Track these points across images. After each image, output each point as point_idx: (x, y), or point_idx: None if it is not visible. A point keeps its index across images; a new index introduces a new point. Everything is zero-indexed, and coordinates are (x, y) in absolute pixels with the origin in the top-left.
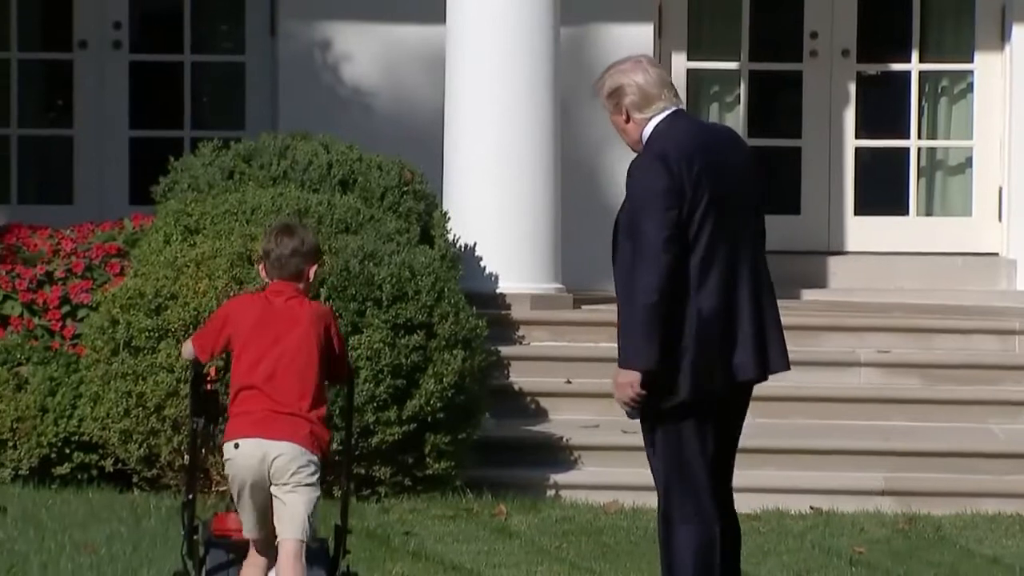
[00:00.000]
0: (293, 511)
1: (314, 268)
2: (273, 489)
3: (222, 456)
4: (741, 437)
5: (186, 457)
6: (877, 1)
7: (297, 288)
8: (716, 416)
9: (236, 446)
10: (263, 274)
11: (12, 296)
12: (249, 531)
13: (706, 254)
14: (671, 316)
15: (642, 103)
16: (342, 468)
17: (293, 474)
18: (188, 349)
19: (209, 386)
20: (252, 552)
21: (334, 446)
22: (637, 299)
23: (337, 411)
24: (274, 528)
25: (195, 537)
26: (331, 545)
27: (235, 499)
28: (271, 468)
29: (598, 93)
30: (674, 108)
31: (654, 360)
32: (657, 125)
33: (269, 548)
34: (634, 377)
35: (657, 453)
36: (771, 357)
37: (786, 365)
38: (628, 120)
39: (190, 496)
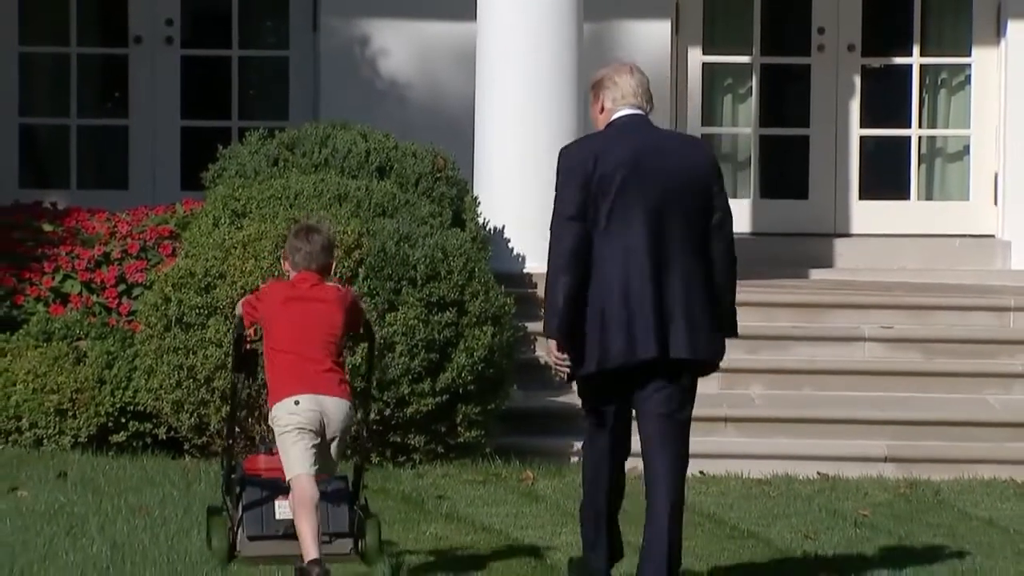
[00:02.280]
0: (331, 458)
1: (334, 262)
2: (329, 442)
3: (269, 414)
4: (752, 407)
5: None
6: None
7: (320, 277)
8: (631, 387)
9: (296, 402)
10: (287, 267)
11: (72, 275)
12: (300, 467)
13: (618, 243)
14: (580, 293)
15: (617, 98)
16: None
17: (341, 427)
18: (239, 309)
19: (248, 345)
20: (301, 493)
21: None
22: (547, 275)
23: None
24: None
25: (232, 476)
26: (351, 483)
27: (287, 443)
28: (327, 420)
29: (589, 85)
30: (640, 112)
31: (554, 330)
32: (616, 120)
33: (312, 481)
34: (550, 344)
35: (583, 403)
36: (674, 342)
37: (691, 353)
38: (602, 110)
39: (230, 441)
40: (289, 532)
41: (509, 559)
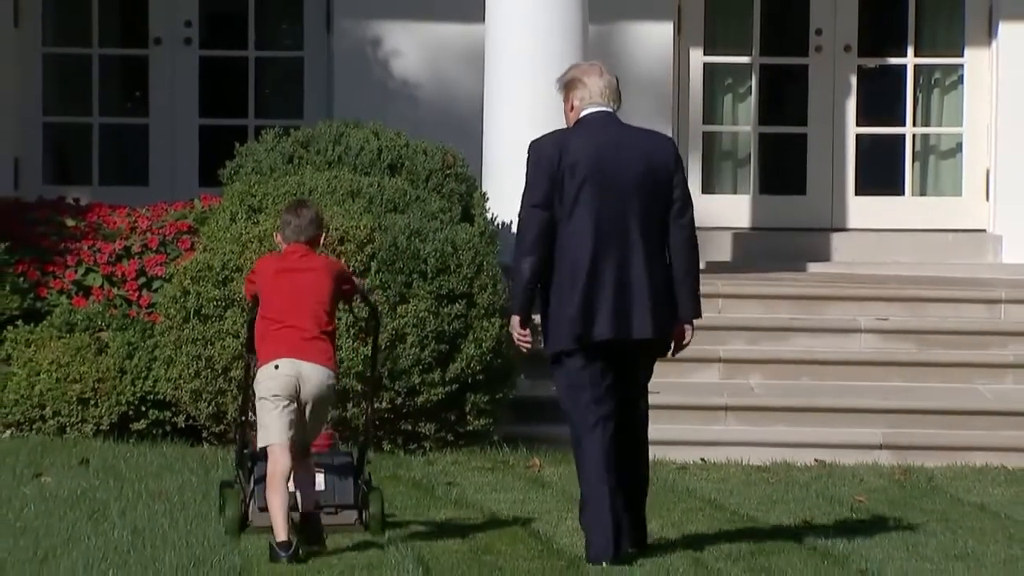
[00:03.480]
0: (314, 426)
1: (324, 234)
2: (303, 406)
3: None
4: (752, 396)
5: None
6: (876, 1)
7: (309, 248)
8: (602, 364)
9: (276, 367)
10: (279, 240)
11: (94, 269)
12: (275, 436)
13: (579, 230)
14: (542, 275)
15: (585, 97)
16: (368, 397)
17: (316, 392)
18: (244, 290)
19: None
20: (274, 464)
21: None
22: (514, 258)
23: (364, 359)
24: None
25: (245, 452)
26: (355, 458)
27: (265, 412)
28: (302, 384)
29: (560, 84)
30: (607, 109)
31: (519, 308)
32: (583, 117)
33: (286, 453)
34: (514, 320)
35: (556, 385)
36: (633, 324)
37: (649, 332)
38: (572, 108)
39: (243, 418)
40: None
41: (515, 543)
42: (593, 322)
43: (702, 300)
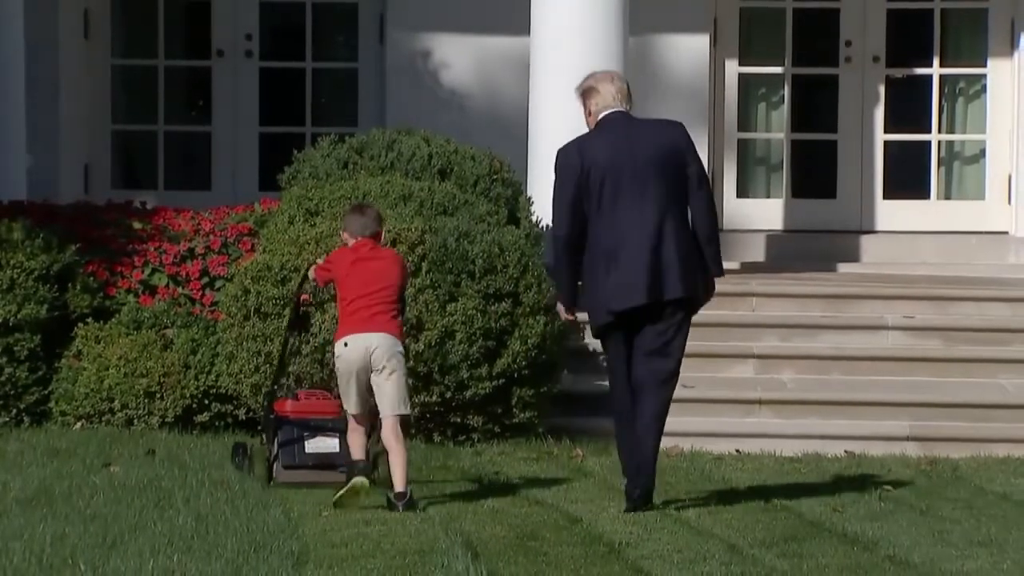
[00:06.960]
0: (390, 392)
1: (383, 231)
2: (372, 375)
3: (333, 354)
4: (785, 390)
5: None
6: (904, 14)
7: (375, 242)
8: (635, 330)
9: (345, 344)
10: (346, 237)
11: (159, 269)
12: (352, 408)
13: (608, 218)
14: (578, 263)
15: (599, 103)
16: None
17: (388, 360)
18: (312, 274)
19: (302, 309)
20: (352, 423)
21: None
22: (554, 255)
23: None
24: (373, 405)
25: (271, 417)
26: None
27: (342, 386)
28: (372, 355)
29: (578, 93)
30: (621, 110)
31: (568, 302)
32: (601, 119)
33: (366, 420)
34: (560, 307)
35: (607, 357)
36: (666, 286)
37: (680, 291)
38: (589, 113)
39: (274, 387)
40: (317, 464)
41: (559, 530)
42: (628, 295)
43: (737, 299)
